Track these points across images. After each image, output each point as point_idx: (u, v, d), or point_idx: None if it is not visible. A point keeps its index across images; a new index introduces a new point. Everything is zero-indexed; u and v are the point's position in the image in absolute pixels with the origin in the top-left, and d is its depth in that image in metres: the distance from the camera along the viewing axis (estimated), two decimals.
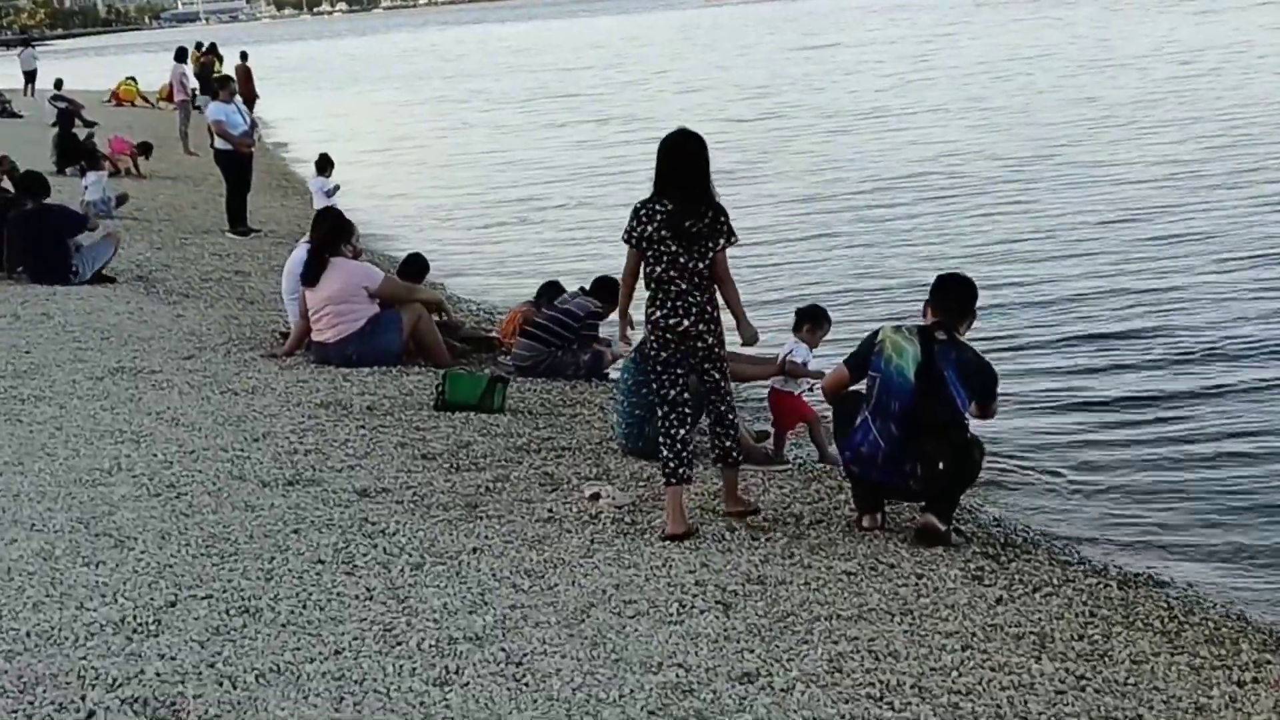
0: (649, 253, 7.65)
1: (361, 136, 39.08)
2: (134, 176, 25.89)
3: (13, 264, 15.57)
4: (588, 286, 12.46)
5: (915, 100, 36.80)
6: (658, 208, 7.62)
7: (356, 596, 6.33)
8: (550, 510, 7.98)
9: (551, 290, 13.03)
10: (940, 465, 7.57)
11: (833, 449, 8.82)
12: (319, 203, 19.78)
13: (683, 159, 7.57)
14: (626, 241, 7.72)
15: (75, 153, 26.36)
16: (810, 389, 9.64)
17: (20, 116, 42.10)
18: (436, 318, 12.70)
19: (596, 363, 12.23)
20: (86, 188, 20.66)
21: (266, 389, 10.88)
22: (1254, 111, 28.04)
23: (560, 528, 7.67)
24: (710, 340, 7.69)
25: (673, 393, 7.74)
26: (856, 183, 23.92)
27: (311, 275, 12.11)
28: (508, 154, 33.20)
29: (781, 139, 31.30)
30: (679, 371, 7.72)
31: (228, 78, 20.26)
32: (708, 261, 7.57)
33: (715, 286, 7.65)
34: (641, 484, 8.69)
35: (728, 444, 7.92)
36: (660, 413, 7.80)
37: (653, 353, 7.76)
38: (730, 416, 7.92)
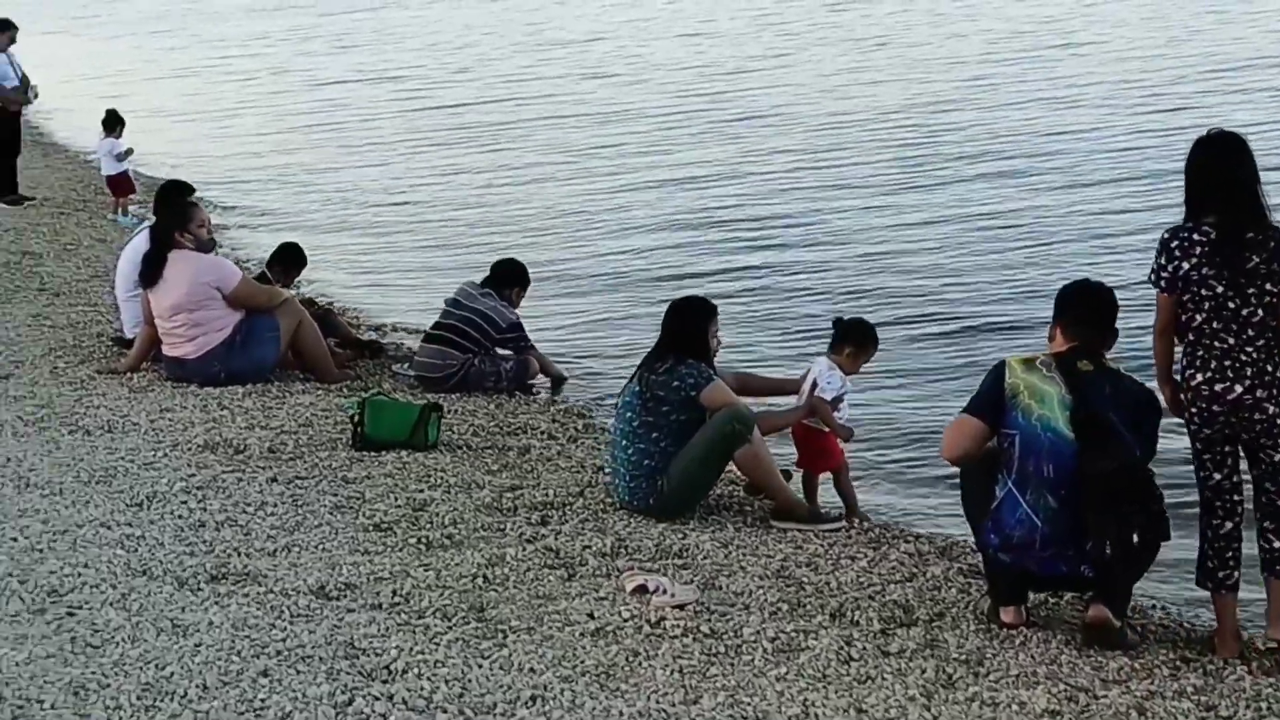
0: (1186, 297, 5.71)
1: (120, 85, 34.76)
2: None
3: None
4: (488, 279, 10.38)
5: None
6: (1196, 236, 5.70)
7: None
8: (591, 615, 5.90)
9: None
10: (1120, 542, 5.76)
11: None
12: (108, 168, 17.10)
13: (1229, 168, 5.71)
14: (1156, 284, 5.80)
15: None
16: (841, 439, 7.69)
17: None
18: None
19: (521, 371, 10.14)
20: None
21: (126, 424, 8.56)
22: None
23: (625, 647, 5.61)
24: (1272, 410, 5.72)
25: (1218, 476, 5.83)
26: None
27: (150, 273, 9.74)
28: (310, 114, 29.06)
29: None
30: (1226, 450, 5.80)
31: (7, 21, 17.26)
32: (1267, 305, 5.65)
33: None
34: (680, 563, 6.67)
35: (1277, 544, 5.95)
36: (1202, 500, 5.88)
37: (1194, 428, 5.76)
38: None
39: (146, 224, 10.68)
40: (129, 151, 17.02)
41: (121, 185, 17.07)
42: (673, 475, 7.28)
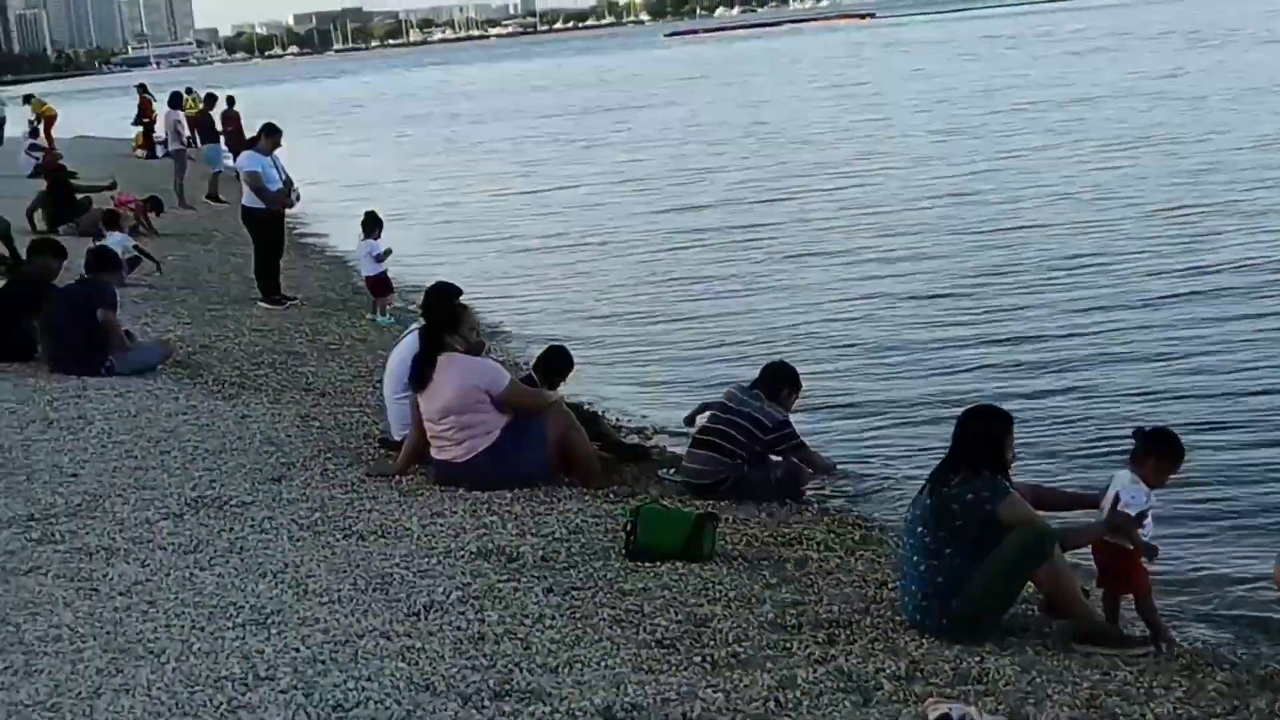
0: None
1: (383, 188, 35.50)
2: (144, 235, 23.36)
3: (49, 351, 13.14)
4: (757, 382, 10.13)
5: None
6: None
7: None
8: None
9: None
10: None
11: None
12: (367, 269, 17.35)
13: None
14: None
15: (71, 210, 23.88)
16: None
17: None
18: None
19: (793, 480, 9.86)
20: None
21: (398, 530, 8.46)
22: None
23: None
24: None
25: None
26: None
27: (420, 375, 9.71)
28: (586, 217, 28.08)
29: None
30: None
31: (273, 125, 17.74)
32: None
33: None
34: (981, 689, 6.28)
35: None
36: None
37: None
38: None
39: (415, 326, 10.68)
40: (387, 253, 17.26)
41: (380, 286, 17.30)
42: (968, 594, 6.91)
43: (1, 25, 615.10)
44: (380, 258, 17.13)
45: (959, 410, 7.65)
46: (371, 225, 17.33)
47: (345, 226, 27.17)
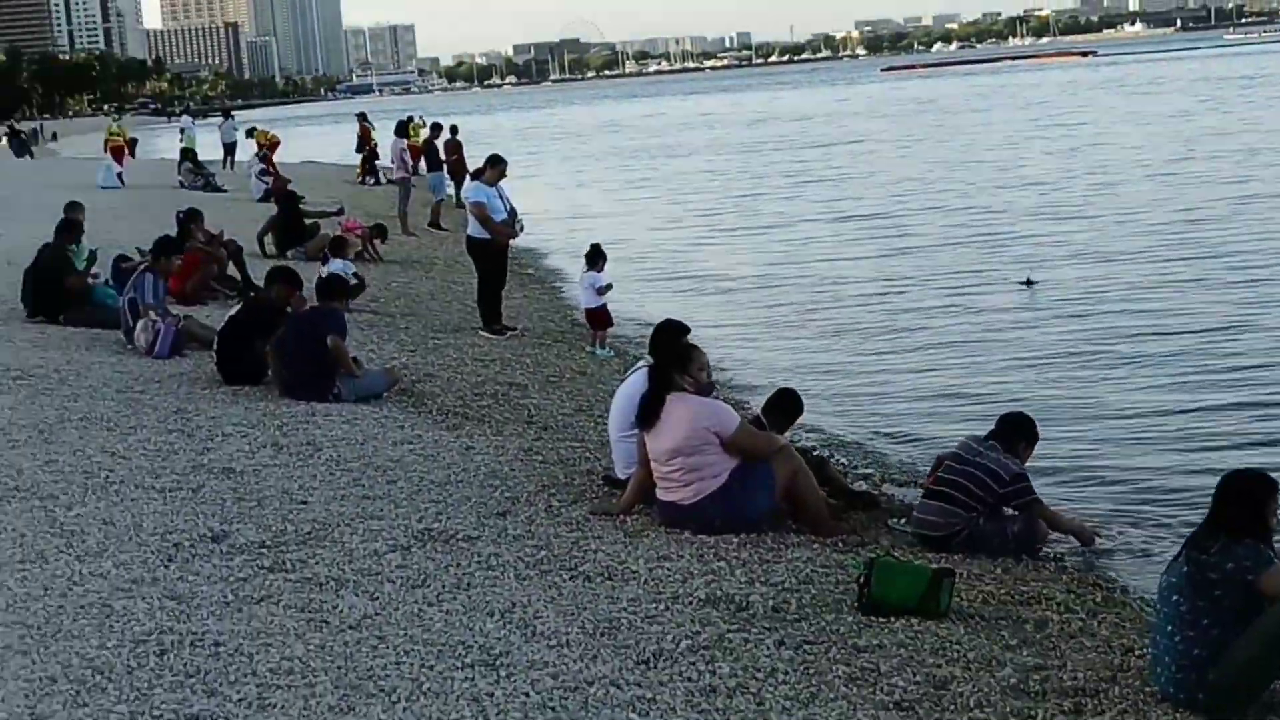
0: None
1: (599, 220, 35.60)
2: (368, 261, 23.77)
3: (279, 376, 13.34)
4: (993, 433, 9.79)
5: None
6: None
7: None
8: None
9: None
10: None
11: None
12: (588, 301, 17.33)
13: None
14: None
15: (300, 234, 24.38)
16: None
17: (223, 191, 40.51)
18: None
19: (1030, 536, 9.51)
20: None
21: (625, 572, 8.33)
22: None
23: None
24: None
25: None
26: None
27: (648, 415, 9.58)
28: (802, 254, 27.64)
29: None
30: None
31: (498, 156, 17.91)
32: None
33: None
34: None
35: None
36: None
37: None
38: None
39: (643, 363, 10.59)
40: (609, 286, 17.24)
41: (600, 319, 17.29)
42: (1225, 667, 6.55)
43: (234, 51, 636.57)
44: (602, 290, 17.11)
45: (1210, 475, 7.29)
46: (595, 258, 17.32)
47: (564, 258, 27.44)
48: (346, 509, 9.44)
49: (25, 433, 11.07)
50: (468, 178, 17.97)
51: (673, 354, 9.90)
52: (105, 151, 47.93)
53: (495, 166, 17.93)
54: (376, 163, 45.52)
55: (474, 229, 17.90)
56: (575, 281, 22.32)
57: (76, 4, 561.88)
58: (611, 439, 10.59)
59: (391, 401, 13.30)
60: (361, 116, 49.05)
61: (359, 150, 48.10)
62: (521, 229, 18.24)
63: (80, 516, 8.91)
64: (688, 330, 10.70)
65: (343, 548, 8.50)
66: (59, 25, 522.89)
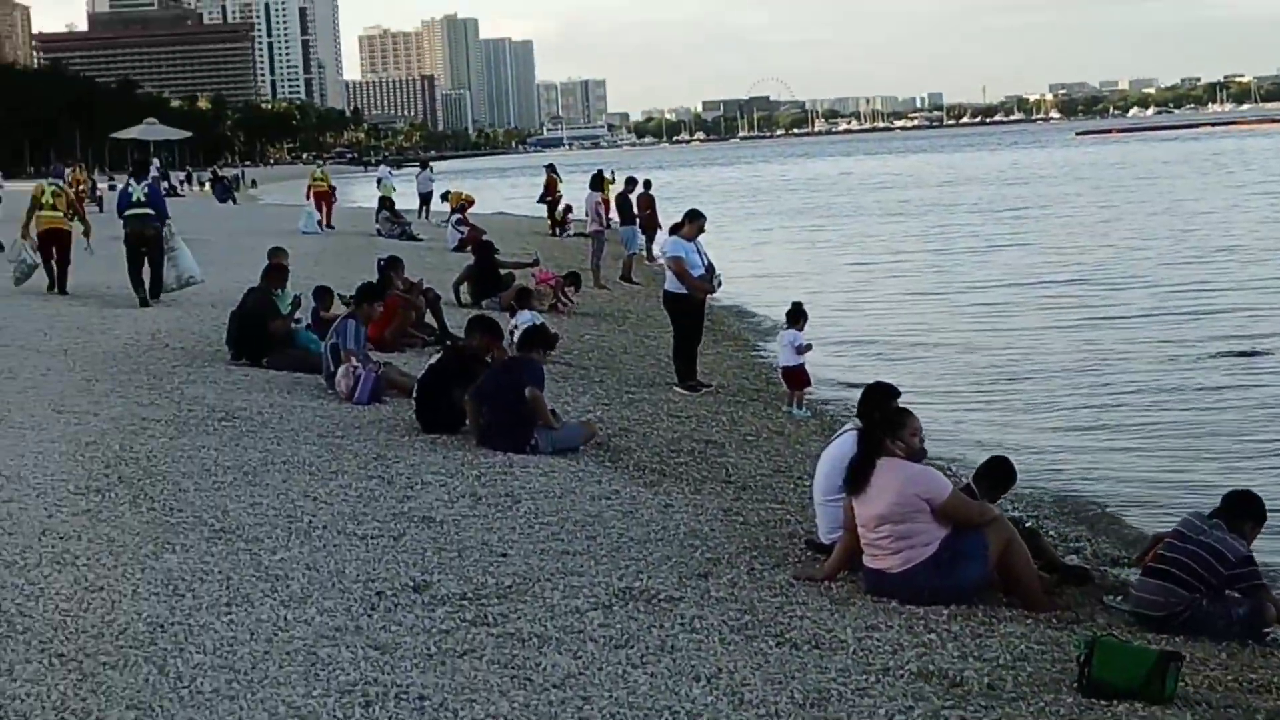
0: None
1: (792, 278, 35.44)
2: (561, 312, 23.86)
3: (476, 425, 13.34)
4: (1218, 510, 9.35)
5: None
6: None
7: None
8: None
9: None
10: None
11: None
12: (786, 359, 17.10)
13: None
14: None
15: (495, 284, 24.55)
16: None
17: (419, 239, 41.11)
18: None
19: (1255, 618, 9.06)
20: (516, 327, 18.32)
21: (833, 641, 8.07)
22: None
23: None
24: None
25: None
26: None
27: (858, 478, 9.33)
28: (1004, 323, 26.80)
29: None
30: None
31: (696, 211, 17.87)
32: None
33: None
34: None
35: None
36: None
37: None
38: None
39: (851, 426, 10.35)
40: (809, 346, 17.00)
41: (798, 378, 17.06)
42: None
43: (429, 103, 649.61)
44: (802, 350, 16.88)
45: None
46: (796, 316, 17.09)
47: (757, 314, 27.30)
48: (547, 563, 9.33)
49: (230, 474, 11.19)
50: (665, 232, 17.85)
51: (883, 417, 9.65)
52: (307, 197, 48.89)
53: (693, 222, 17.84)
54: (570, 215, 45.93)
55: (671, 284, 17.81)
56: (766, 338, 22.19)
57: (280, 55, 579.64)
58: (816, 502, 10.34)
59: (588, 455, 13.22)
60: (550, 168, 49.70)
61: (541, 200, 48.82)
62: (719, 285, 18.10)
63: (284, 561, 8.94)
64: (898, 393, 10.44)
65: (544, 603, 8.38)
66: (263, 75, 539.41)
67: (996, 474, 10.40)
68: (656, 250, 35.90)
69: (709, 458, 13.75)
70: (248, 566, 8.74)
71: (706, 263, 17.77)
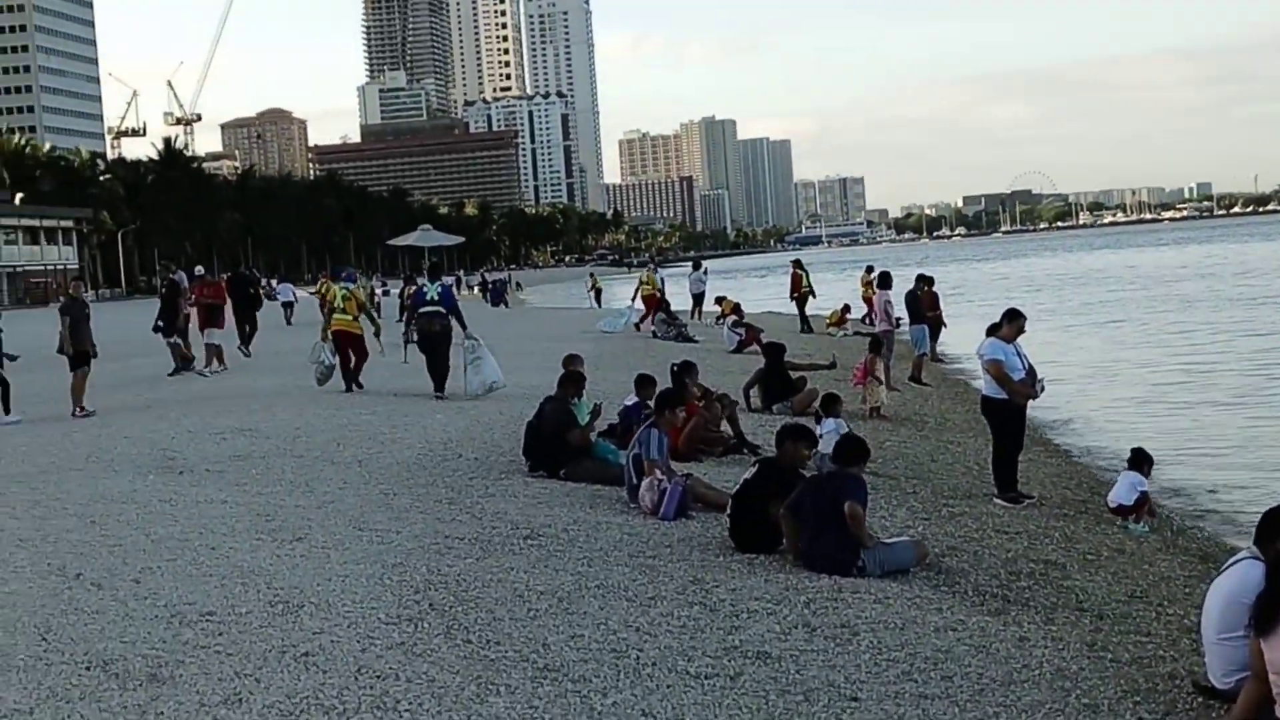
0: None
1: (1104, 377, 33.86)
2: (885, 417, 22.89)
3: (795, 544, 12.40)
4: None
5: None
6: None
7: None
8: None
9: None
10: None
11: None
12: (1121, 499, 15.67)
13: None
14: None
15: (787, 388, 23.65)
16: None
17: (695, 341, 40.45)
18: None
19: None
20: (821, 436, 17.28)
21: None
22: None
23: None
24: None
25: None
26: None
27: (1269, 617, 8.09)
28: None
29: None
30: None
31: (1016, 311, 16.76)
32: None
33: None
34: None
35: None
36: None
37: None
38: None
39: (1246, 553, 9.08)
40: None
41: (1130, 510, 15.67)
42: None
43: (688, 204, 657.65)
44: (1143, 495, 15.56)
45: None
46: (1140, 460, 15.77)
47: (1073, 419, 25.80)
48: (904, 710, 8.31)
49: (544, 600, 10.40)
50: (984, 334, 16.71)
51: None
52: (632, 301, 49.14)
53: (1013, 322, 16.69)
54: (848, 314, 45.05)
55: (989, 388, 16.65)
56: (1087, 444, 20.82)
57: (543, 161, 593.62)
58: (1207, 640, 9.07)
59: (919, 578, 12.12)
60: (796, 263, 49.12)
61: (791, 296, 48.27)
62: (1043, 389, 16.89)
63: (617, 705, 8.09)
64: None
65: None
66: (526, 181, 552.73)
67: None
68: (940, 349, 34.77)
69: (1052, 580, 12.51)
70: (580, 713, 7.90)
71: (1027, 365, 16.58)
